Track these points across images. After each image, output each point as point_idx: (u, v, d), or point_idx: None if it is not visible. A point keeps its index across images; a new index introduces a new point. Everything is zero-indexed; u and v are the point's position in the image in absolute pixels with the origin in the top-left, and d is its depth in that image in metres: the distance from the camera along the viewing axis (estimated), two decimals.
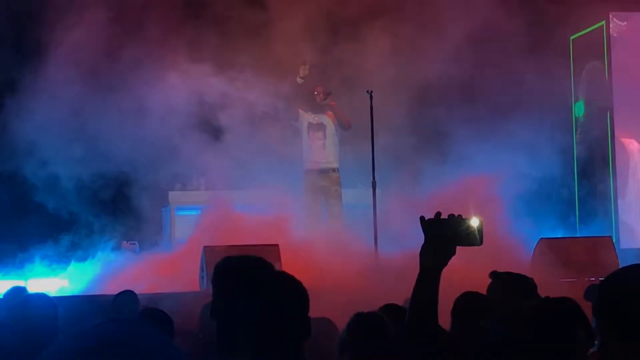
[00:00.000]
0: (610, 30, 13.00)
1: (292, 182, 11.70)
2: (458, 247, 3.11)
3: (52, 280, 11.58)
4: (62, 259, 12.01)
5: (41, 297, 4.88)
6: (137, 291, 7.43)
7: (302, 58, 11.97)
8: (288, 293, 3.34)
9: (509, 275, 4.04)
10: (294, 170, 11.91)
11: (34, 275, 11.70)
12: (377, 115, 11.28)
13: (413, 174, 11.85)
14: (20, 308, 4.70)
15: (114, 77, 12.00)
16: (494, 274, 3.96)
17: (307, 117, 12.04)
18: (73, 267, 11.83)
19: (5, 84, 12.27)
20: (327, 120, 12.06)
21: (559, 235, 11.77)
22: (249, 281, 3.47)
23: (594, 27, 13.31)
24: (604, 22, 13.06)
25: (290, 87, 11.99)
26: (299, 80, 11.91)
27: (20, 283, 10.81)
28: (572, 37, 13.71)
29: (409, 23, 12.23)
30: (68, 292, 10.87)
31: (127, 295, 7.15)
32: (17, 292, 5.77)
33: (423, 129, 12.65)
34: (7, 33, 12.41)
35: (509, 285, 3.91)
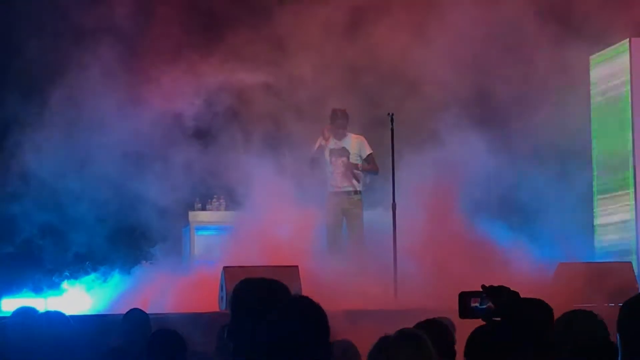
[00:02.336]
0: (632, 55, 12.97)
1: (315, 204, 11.72)
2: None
3: (71, 300, 11.65)
4: (80, 278, 12.09)
5: (56, 315, 4.89)
6: (155, 311, 7.44)
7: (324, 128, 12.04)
8: (307, 318, 3.34)
9: (526, 301, 4.05)
10: (317, 192, 11.94)
11: (54, 294, 11.78)
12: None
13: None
14: (33, 327, 4.71)
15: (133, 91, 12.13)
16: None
17: (329, 144, 12.06)
18: (94, 287, 11.90)
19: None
20: (349, 144, 12.08)
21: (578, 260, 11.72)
22: (267, 305, 3.48)
23: (615, 49, 13.27)
24: (627, 45, 13.00)
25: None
26: (322, 143, 11.96)
27: (39, 301, 10.89)
28: (591, 57, 13.68)
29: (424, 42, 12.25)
30: (88, 312, 10.92)
31: (136, 315, 7.13)
32: (27, 312, 5.77)
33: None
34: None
35: (526, 312, 3.93)
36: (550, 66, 12.61)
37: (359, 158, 12.08)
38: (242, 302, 3.69)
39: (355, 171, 11.98)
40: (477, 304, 3.96)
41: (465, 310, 3.95)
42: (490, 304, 3.90)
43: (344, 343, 5.01)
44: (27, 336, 4.60)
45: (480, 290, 3.85)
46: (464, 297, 4.05)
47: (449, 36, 12.10)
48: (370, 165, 12.04)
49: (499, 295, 3.89)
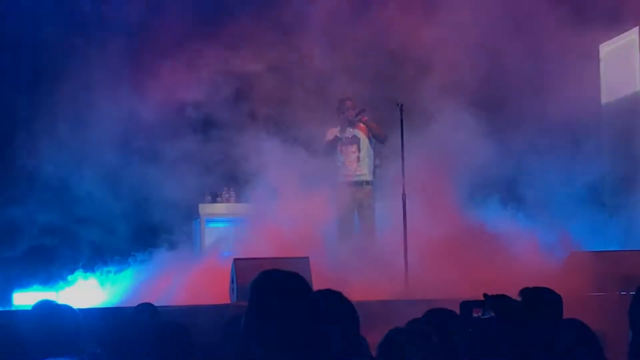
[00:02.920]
0: None
1: (326, 194, 11.70)
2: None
3: (83, 293, 11.68)
4: (92, 272, 12.11)
5: (65, 309, 4.93)
6: (166, 303, 7.45)
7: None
8: (335, 312, 3.26)
9: (535, 290, 4.03)
10: (328, 183, 11.92)
11: (66, 286, 11.81)
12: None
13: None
14: (46, 319, 4.76)
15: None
16: (522, 292, 3.96)
17: (339, 133, 12.05)
18: (106, 281, 11.94)
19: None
20: (360, 133, 12.07)
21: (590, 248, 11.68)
22: (288, 298, 3.44)
23: (624, 37, 13.22)
24: (637, 33, 12.95)
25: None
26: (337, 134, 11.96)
27: (51, 295, 10.92)
28: (601, 45, 13.62)
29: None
30: (100, 305, 10.95)
31: (146, 308, 7.16)
32: (45, 305, 5.81)
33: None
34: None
35: (535, 301, 3.91)
36: (561, 53, 12.55)
37: (370, 146, 12.07)
38: (262, 295, 3.65)
39: (365, 122, 11.96)
40: (479, 315, 3.91)
41: (467, 321, 3.90)
42: (492, 313, 3.86)
43: None
44: (47, 328, 4.66)
45: (482, 299, 3.81)
46: (466, 307, 4.00)
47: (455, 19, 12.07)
48: (378, 129, 12.01)
49: (502, 305, 3.86)
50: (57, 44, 12.28)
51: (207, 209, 12.97)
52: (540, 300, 4.00)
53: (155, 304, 7.44)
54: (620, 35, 13.25)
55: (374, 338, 4.30)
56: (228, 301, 9.81)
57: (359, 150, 12.07)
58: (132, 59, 12.39)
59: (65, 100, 12.17)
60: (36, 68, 12.76)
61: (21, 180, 12.44)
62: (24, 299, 11.12)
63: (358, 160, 12.05)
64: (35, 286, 11.77)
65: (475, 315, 3.93)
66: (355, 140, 12.06)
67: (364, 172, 12.04)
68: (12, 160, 12.47)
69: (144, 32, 12.29)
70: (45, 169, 12.16)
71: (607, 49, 13.52)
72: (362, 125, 12.07)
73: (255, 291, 3.66)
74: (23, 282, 11.82)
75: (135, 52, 12.42)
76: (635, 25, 12.92)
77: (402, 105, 11.28)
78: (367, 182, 12.04)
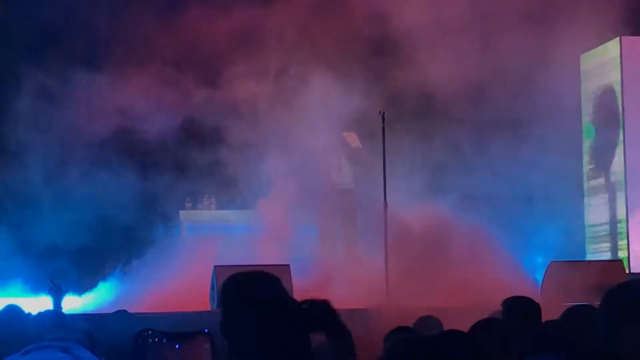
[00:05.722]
0: (622, 53, 12.97)
1: (309, 202, 11.71)
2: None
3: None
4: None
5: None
6: (146, 310, 7.43)
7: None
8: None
9: (514, 299, 4.06)
10: (310, 192, 11.93)
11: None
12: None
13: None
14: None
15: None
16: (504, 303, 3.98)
17: (320, 142, 12.08)
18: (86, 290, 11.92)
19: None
20: (345, 140, 12.10)
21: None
22: (259, 297, 3.42)
23: (605, 47, 13.28)
24: (618, 42, 13.00)
25: None
26: None
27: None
28: (582, 55, 13.68)
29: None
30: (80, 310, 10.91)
31: (121, 315, 7.14)
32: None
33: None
34: None
35: (515, 309, 3.94)
36: (540, 63, 12.62)
37: (352, 155, 12.11)
38: (233, 296, 3.62)
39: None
40: None
41: None
42: None
43: None
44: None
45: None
46: None
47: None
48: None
49: None
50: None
51: (188, 215, 12.95)
52: (520, 309, 4.02)
53: (134, 311, 7.42)
54: (602, 46, 13.32)
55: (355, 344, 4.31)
56: (208, 308, 9.79)
57: (340, 158, 12.10)
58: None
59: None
60: None
61: None
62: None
63: (339, 169, 12.07)
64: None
65: None
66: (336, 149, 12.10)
67: (346, 180, 12.06)
68: None
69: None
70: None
71: (588, 59, 13.59)
72: (346, 133, 12.13)
73: (226, 293, 3.60)
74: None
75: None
76: (616, 36, 12.99)
77: (384, 113, 11.30)
78: (349, 191, 12.06)
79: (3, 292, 11.49)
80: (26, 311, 5.53)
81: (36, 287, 11.63)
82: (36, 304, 11.05)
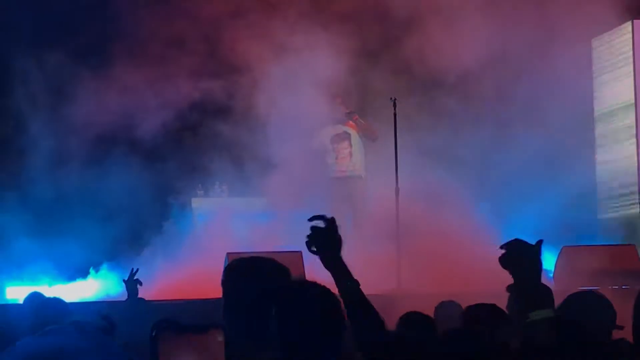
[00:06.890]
0: (635, 37, 12.91)
1: (318, 191, 11.70)
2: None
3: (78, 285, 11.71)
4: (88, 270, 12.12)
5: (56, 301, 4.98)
6: (158, 298, 7.44)
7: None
8: (315, 306, 3.17)
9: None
10: (321, 178, 11.92)
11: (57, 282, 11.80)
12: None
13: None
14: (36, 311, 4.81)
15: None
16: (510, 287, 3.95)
17: (329, 130, 12.05)
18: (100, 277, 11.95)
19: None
20: (350, 129, 12.07)
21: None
22: (263, 284, 3.36)
23: (617, 32, 13.21)
24: (630, 25, 12.93)
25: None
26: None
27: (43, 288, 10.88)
28: (594, 39, 13.62)
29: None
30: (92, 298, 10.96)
31: (138, 302, 7.15)
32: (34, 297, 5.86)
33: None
34: None
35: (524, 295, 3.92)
36: (553, 48, 12.58)
37: (361, 141, 12.08)
38: (235, 282, 3.56)
39: (356, 121, 11.95)
40: None
41: None
42: None
43: None
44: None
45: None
46: None
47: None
48: (370, 128, 12.00)
49: None
50: None
51: (199, 203, 12.96)
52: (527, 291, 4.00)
53: (149, 299, 7.44)
54: (614, 30, 13.25)
55: None
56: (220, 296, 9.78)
57: (350, 145, 12.09)
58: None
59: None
60: None
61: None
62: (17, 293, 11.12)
63: (350, 156, 12.06)
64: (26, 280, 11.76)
65: None
66: (346, 136, 12.07)
67: (356, 167, 12.05)
68: None
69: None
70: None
71: (600, 43, 13.53)
72: (350, 122, 12.09)
73: (228, 278, 3.56)
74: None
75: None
76: (629, 20, 12.93)
77: (395, 99, 11.29)
78: (360, 177, 12.05)
79: (30, 281, 11.57)
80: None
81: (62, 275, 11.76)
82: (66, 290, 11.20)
